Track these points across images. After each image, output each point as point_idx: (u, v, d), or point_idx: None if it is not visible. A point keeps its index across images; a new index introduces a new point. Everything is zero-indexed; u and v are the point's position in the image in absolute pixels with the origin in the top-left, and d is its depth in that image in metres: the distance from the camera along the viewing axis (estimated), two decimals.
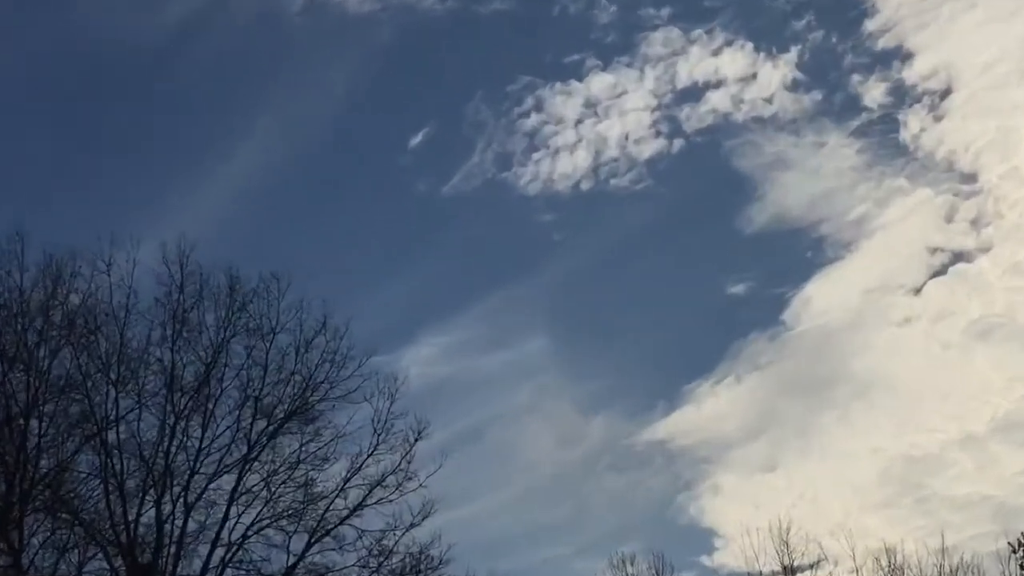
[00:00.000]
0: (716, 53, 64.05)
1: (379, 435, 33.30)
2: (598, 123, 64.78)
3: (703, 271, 67.05)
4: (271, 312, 33.33)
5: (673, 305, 65.91)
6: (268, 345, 33.27)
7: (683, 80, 64.03)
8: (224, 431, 32.72)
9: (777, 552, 38.99)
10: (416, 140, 64.94)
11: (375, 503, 33.08)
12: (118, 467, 31.63)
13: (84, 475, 32.52)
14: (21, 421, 31.58)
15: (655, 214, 65.81)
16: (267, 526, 32.70)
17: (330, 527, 32.93)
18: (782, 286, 63.73)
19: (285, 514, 32.89)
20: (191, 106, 63.97)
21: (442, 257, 64.54)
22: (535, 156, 64.16)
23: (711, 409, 59.79)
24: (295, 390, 33.24)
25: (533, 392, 60.10)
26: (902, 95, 62.37)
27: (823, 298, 61.20)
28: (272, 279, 33.39)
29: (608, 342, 63.99)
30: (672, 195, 66.17)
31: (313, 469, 33.40)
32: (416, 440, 33.41)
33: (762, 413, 59.92)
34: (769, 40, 66.68)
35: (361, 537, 32.87)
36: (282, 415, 33.03)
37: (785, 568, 38.86)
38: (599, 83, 64.55)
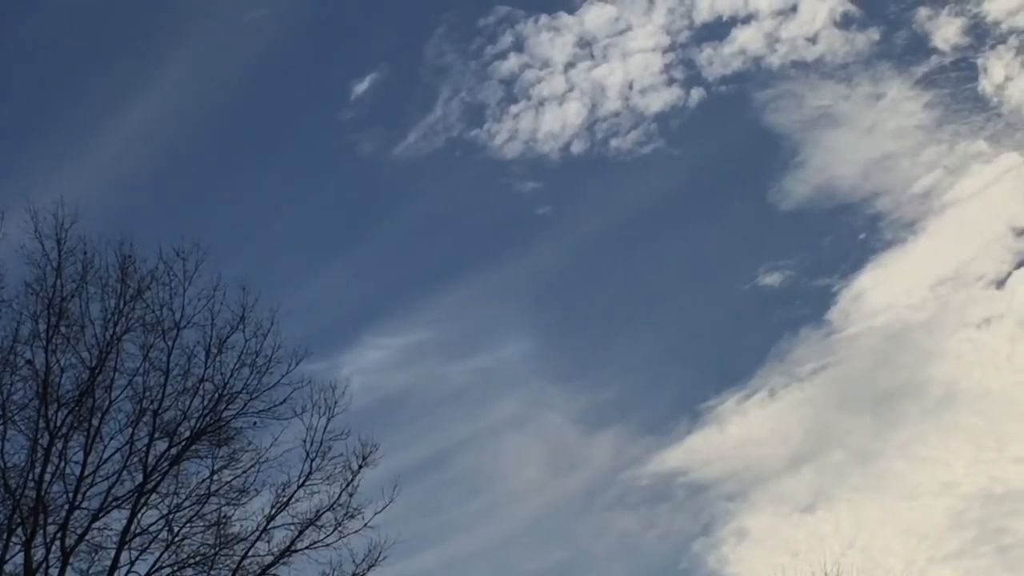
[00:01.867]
0: None
1: (313, 460, 30.67)
2: (594, 68, 58.82)
3: (728, 257, 60.95)
4: (174, 302, 30.79)
5: (690, 300, 60.82)
6: (171, 344, 30.63)
7: (703, 13, 57.98)
8: (114, 454, 30.05)
9: None
10: (361, 88, 58.82)
11: (307, 547, 30.41)
12: None
13: None
14: None
15: (667, 184, 59.84)
16: None
17: None
18: (828, 277, 57.45)
19: (191, 561, 30.22)
20: (69, 42, 57.10)
21: (394, 237, 58.93)
22: (513, 109, 58.35)
23: (737, 432, 54.59)
24: (205, 402, 30.64)
25: (513, 408, 55.26)
26: (982, 34, 56.36)
27: (880, 292, 55.62)
28: (176, 259, 30.80)
29: (607, 346, 58.61)
30: (688, 160, 59.54)
31: (228, 504, 30.72)
32: (360, 467, 30.75)
33: (802, 438, 54.69)
34: None
35: None
36: (188, 434, 30.44)
37: None
38: (596, 16, 58.72)
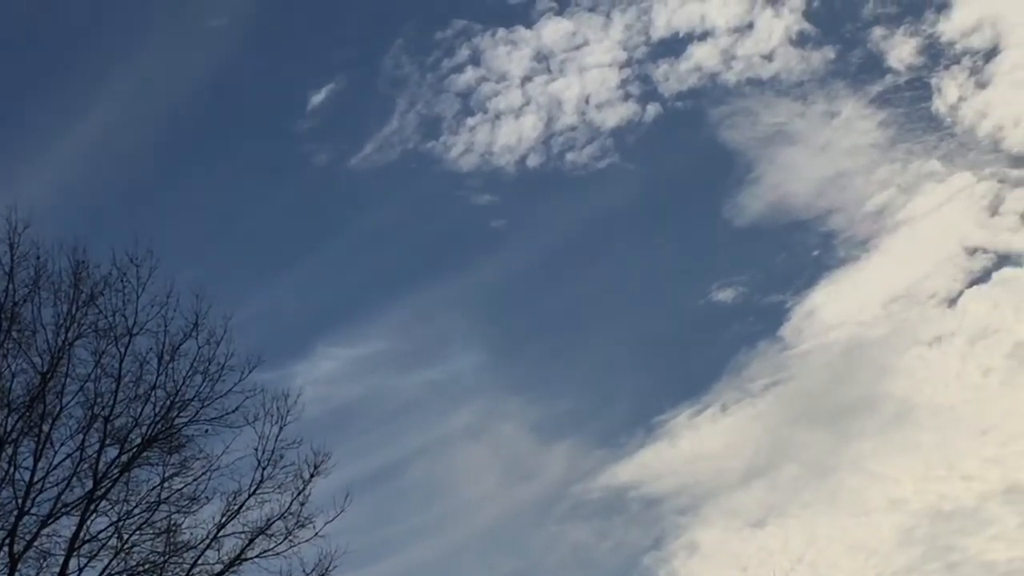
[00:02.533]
0: None
1: (264, 469, 30.22)
2: (551, 82, 58.11)
3: (681, 273, 60.50)
4: (127, 308, 30.23)
5: (644, 314, 59.57)
6: (123, 350, 30.10)
7: (660, 30, 57.33)
8: (64, 460, 29.61)
9: None
10: (318, 99, 57.92)
11: (257, 556, 29.98)
12: None
13: None
14: None
15: (621, 199, 59.01)
16: None
17: None
18: (781, 293, 56.84)
19: (141, 568, 29.73)
20: (25, 47, 55.60)
21: (348, 247, 58.21)
22: (470, 122, 57.65)
23: (689, 446, 53.90)
24: (156, 409, 30.18)
25: (466, 420, 54.60)
26: (936, 55, 55.77)
27: (833, 309, 55.09)
28: (130, 265, 30.21)
29: (561, 359, 58.17)
30: (643, 175, 59.03)
31: (178, 511, 30.31)
32: (312, 476, 30.34)
33: (753, 453, 53.97)
34: None
35: None
36: (139, 441, 29.97)
37: None
38: (553, 31, 57.79)
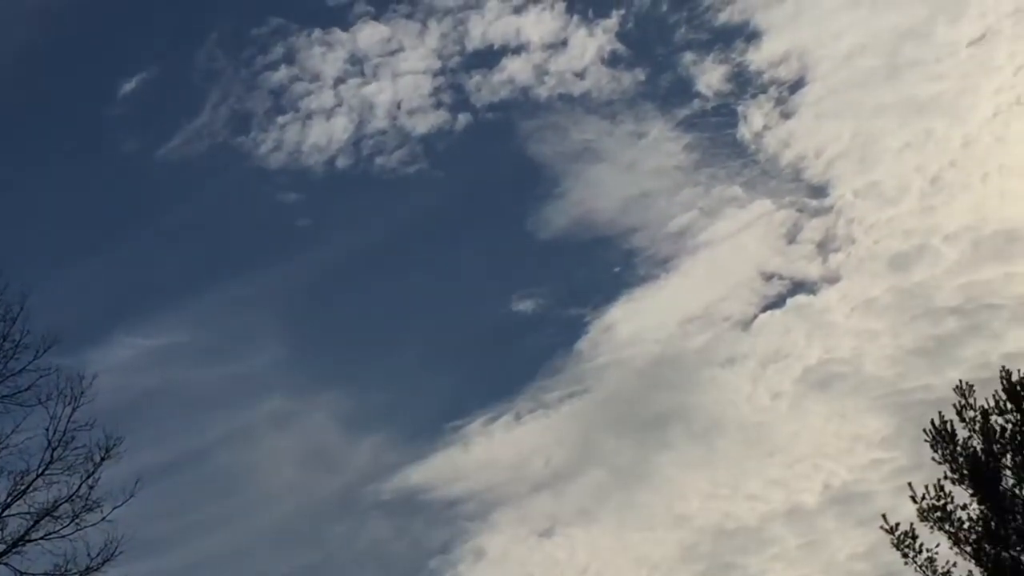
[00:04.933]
0: (519, 10, 57.26)
1: (54, 450, 29.02)
2: (364, 85, 57.32)
3: (483, 281, 59.79)
4: None
5: (444, 321, 58.89)
6: None
7: (475, 40, 57.02)
8: None
9: None
10: (128, 87, 56.42)
11: (42, 538, 28.85)
12: None
13: None
14: None
15: (428, 204, 58.72)
16: None
17: None
18: (581, 307, 56.14)
19: None
20: None
21: (150, 237, 56.89)
22: (280, 120, 56.74)
23: (481, 453, 52.97)
24: None
25: (264, 415, 53.78)
26: (744, 83, 55.98)
27: (630, 326, 54.55)
28: None
29: (360, 361, 57.52)
30: (451, 183, 58.66)
31: None
32: (103, 460, 29.19)
33: (545, 463, 53.17)
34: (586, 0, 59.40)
35: None
36: None
37: None
38: (369, 35, 57.15)
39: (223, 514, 48.95)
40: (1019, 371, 26.45)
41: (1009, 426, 26.39)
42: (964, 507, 26.63)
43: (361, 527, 52.61)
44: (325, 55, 57.45)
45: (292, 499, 52.43)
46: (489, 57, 56.91)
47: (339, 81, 57.19)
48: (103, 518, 28.94)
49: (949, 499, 26.79)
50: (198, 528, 46.19)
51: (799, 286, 53.95)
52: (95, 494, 29.13)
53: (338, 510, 53.40)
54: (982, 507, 26.44)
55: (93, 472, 29.10)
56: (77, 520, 28.83)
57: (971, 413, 26.89)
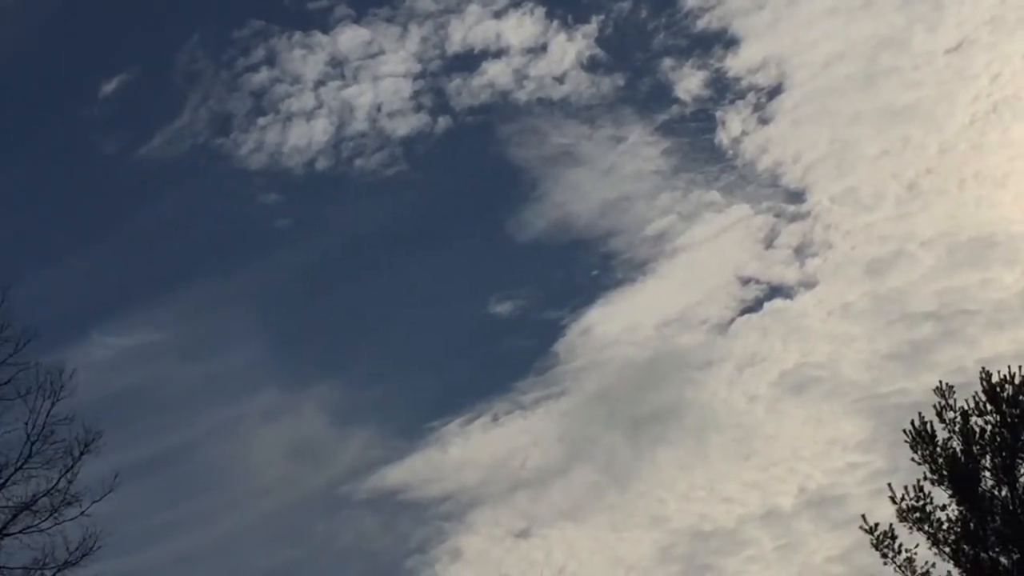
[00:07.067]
0: (499, 15, 57.19)
1: (33, 444, 28.66)
2: (344, 87, 57.31)
3: (462, 284, 59.75)
4: None
5: (422, 322, 58.91)
6: None
7: (455, 44, 57.05)
8: None
9: None
10: (109, 88, 56.08)
11: (20, 531, 28.47)
12: None
13: None
14: None
15: (408, 207, 58.77)
16: None
17: None
18: (558, 310, 56.18)
19: None
20: None
21: (131, 237, 56.77)
22: (261, 121, 56.62)
23: (459, 454, 52.91)
24: None
25: (241, 415, 53.69)
26: (722, 89, 56.04)
27: (607, 329, 54.57)
28: None
29: (337, 361, 57.65)
30: (431, 185, 58.92)
31: None
32: (82, 454, 28.83)
33: (521, 465, 53.06)
34: (565, 5, 59.34)
35: None
36: None
37: None
38: (350, 38, 57.02)
39: (203, 511, 49.04)
40: (999, 372, 26.71)
41: (989, 427, 26.63)
42: (943, 508, 26.87)
43: (339, 527, 52.59)
44: (306, 57, 57.43)
45: (271, 497, 52.49)
46: (469, 61, 57.09)
47: (319, 83, 57.21)
48: (82, 512, 28.59)
49: (928, 500, 27.01)
50: (178, 525, 46.39)
51: (776, 290, 54.13)
52: (74, 488, 28.76)
53: (316, 509, 53.44)
54: (961, 508, 26.65)
55: (72, 466, 28.76)
56: (56, 514, 28.51)
57: (951, 414, 27.09)
